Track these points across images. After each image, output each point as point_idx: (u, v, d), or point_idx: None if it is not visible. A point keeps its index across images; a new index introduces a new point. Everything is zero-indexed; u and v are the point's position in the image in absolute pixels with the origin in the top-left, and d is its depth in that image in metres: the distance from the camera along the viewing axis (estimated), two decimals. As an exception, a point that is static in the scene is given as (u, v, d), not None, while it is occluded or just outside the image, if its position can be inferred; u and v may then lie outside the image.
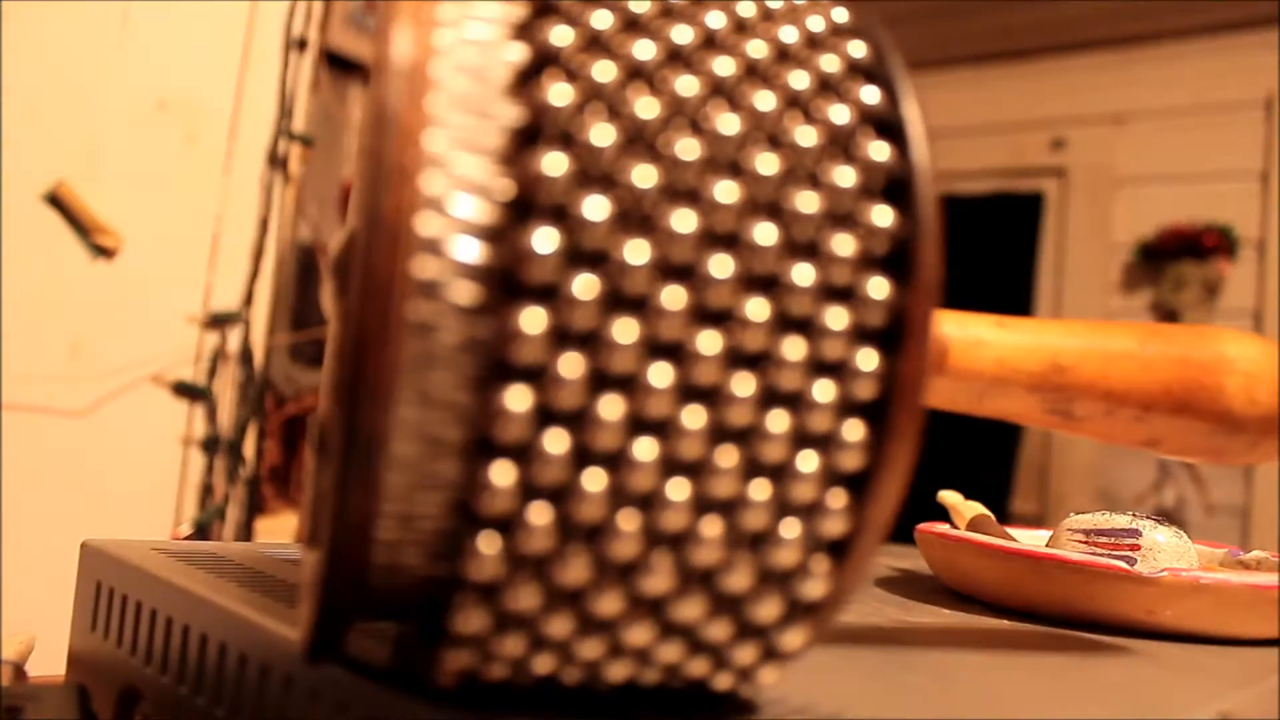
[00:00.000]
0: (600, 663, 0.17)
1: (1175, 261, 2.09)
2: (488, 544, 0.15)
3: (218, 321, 0.87)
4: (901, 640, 0.30)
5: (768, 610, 0.17)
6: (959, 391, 0.25)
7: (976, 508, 0.46)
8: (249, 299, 0.88)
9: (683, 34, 0.17)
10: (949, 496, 0.47)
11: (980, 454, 2.07)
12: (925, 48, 2.26)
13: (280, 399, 1.18)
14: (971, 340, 0.25)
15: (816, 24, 0.19)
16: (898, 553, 0.50)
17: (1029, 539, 0.43)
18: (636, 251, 0.15)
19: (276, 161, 0.91)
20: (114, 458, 0.83)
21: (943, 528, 0.42)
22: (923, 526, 0.41)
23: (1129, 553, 0.38)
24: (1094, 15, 2.09)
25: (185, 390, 0.85)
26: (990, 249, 2.30)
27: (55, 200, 0.77)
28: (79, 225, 0.78)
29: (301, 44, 0.92)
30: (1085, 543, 0.39)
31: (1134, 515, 0.39)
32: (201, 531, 0.84)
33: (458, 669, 0.17)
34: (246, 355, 0.88)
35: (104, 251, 0.80)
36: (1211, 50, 2.10)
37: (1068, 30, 2.17)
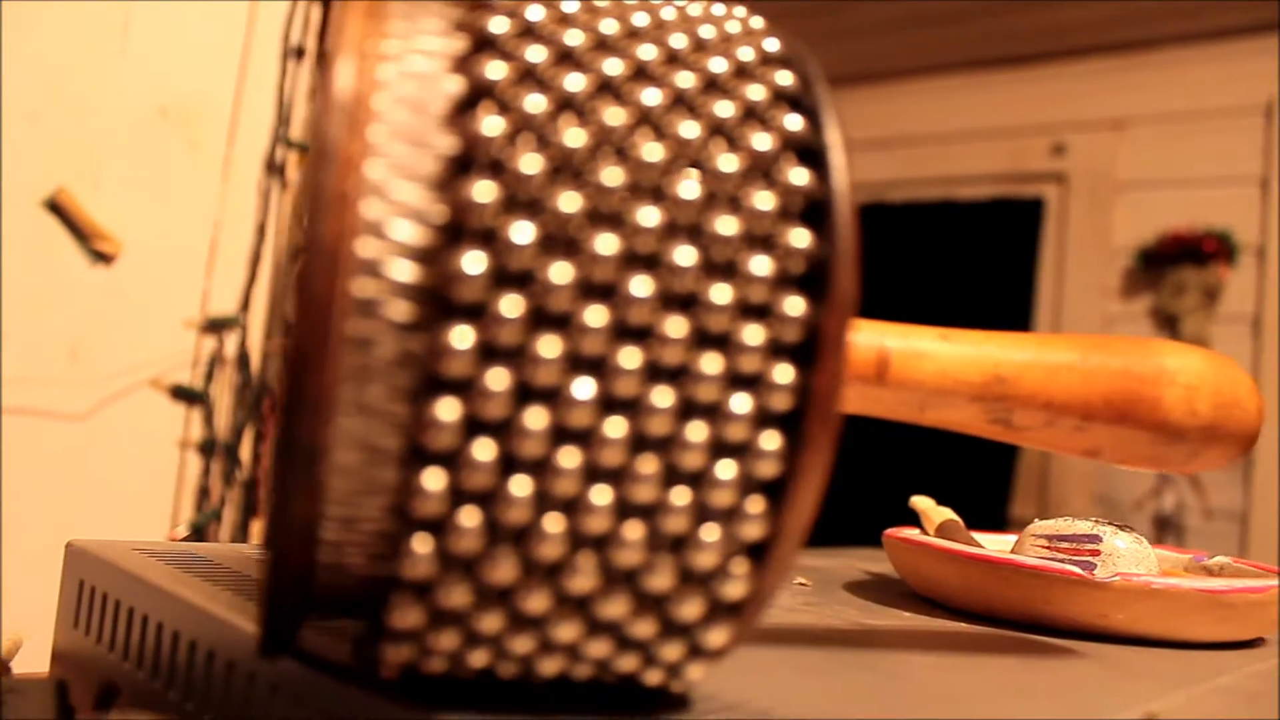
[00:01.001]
0: (533, 657, 0.18)
1: (1175, 267, 2.09)
2: (421, 544, 0.16)
3: (215, 326, 0.88)
4: (856, 642, 0.31)
5: (690, 609, 0.18)
6: (900, 402, 0.26)
7: (946, 513, 0.46)
8: (246, 304, 0.90)
9: (614, 66, 0.18)
10: (921, 502, 0.48)
11: (979, 459, 2.08)
12: (925, 53, 2.26)
13: (277, 403, 1.19)
14: (913, 352, 0.26)
15: (746, 54, 0.20)
16: (869, 556, 0.51)
17: (995, 544, 0.44)
18: (560, 272, 0.16)
19: (274, 168, 0.92)
20: (112, 460, 0.84)
21: (910, 532, 0.43)
22: (890, 531, 0.42)
23: (1089, 558, 0.39)
24: (1094, 21, 2.10)
25: (183, 394, 0.87)
26: (990, 254, 2.31)
27: (55, 207, 0.78)
28: (78, 231, 0.80)
29: (299, 52, 0.94)
30: (1047, 548, 0.40)
31: (1095, 521, 0.40)
32: (198, 533, 0.85)
33: (398, 662, 0.18)
34: (244, 359, 0.89)
35: (103, 257, 0.81)
36: (1211, 56, 2.11)
37: (1068, 36, 2.18)
